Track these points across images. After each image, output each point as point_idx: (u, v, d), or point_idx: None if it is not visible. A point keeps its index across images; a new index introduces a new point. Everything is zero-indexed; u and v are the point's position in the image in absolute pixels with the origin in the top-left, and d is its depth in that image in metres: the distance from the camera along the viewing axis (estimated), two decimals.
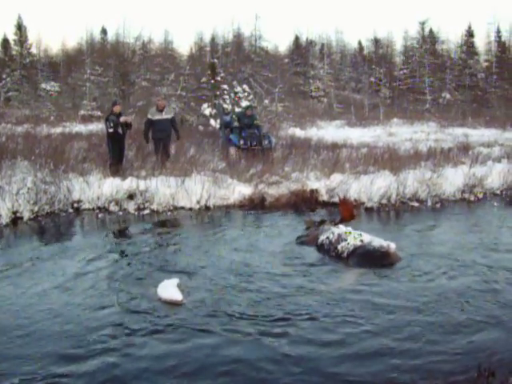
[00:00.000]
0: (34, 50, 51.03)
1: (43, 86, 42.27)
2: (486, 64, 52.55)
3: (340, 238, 7.50)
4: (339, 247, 7.38)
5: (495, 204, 11.54)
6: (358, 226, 8.23)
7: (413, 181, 11.68)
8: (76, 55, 48.15)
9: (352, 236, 7.46)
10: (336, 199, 10.58)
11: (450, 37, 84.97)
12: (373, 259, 7.04)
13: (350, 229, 7.75)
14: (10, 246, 8.29)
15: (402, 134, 27.11)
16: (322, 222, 8.58)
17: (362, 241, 7.31)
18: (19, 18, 49.41)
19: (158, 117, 12.99)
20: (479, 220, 10.16)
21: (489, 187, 12.45)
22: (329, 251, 7.50)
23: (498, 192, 12.50)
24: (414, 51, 51.60)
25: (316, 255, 7.63)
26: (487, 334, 5.09)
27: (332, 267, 7.13)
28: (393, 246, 7.24)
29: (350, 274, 6.94)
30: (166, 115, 13.14)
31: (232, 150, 14.96)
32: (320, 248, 7.72)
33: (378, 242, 7.30)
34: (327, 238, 7.69)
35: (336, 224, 8.21)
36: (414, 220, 10.12)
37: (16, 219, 9.63)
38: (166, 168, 12.07)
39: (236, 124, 15.82)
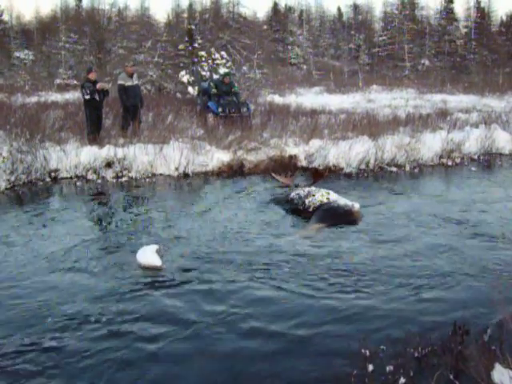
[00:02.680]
0: (5, 17, 49.87)
1: (17, 54, 41.43)
2: (465, 30, 52.49)
3: (309, 194, 7.97)
4: (306, 201, 7.83)
5: (472, 169, 11.66)
6: (334, 190, 8.40)
7: (391, 146, 11.75)
8: (50, 22, 47.16)
9: (320, 193, 7.93)
10: (314, 164, 10.92)
11: (430, 3, 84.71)
12: (336, 216, 7.41)
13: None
14: None
15: (381, 100, 27.12)
16: (297, 186, 9.12)
17: (328, 198, 7.76)
18: None
19: (129, 83, 12.69)
20: (454, 184, 10.29)
21: (466, 152, 12.57)
22: (297, 205, 7.95)
23: (476, 157, 12.62)
24: (394, 17, 51.34)
25: (285, 211, 8.10)
26: (455, 290, 5.20)
27: (297, 221, 7.64)
28: (357, 205, 7.56)
29: (311, 228, 7.23)
30: (135, 81, 12.89)
31: (210, 118, 14.85)
32: (290, 202, 8.17)
33: (343, 200, 7.75)
34: (297, 193, 8.18)
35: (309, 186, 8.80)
36: (391, 184, 10.19)
37: None
38: (142, 134, 11.96)
39: (214, 91, 15.66)
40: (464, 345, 4.06)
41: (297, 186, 9.10)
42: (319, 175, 9.68)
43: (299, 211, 7.85)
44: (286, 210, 8.16)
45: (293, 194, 8.27)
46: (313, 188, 8.33)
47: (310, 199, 7.82)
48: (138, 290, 5.26)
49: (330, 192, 8.02)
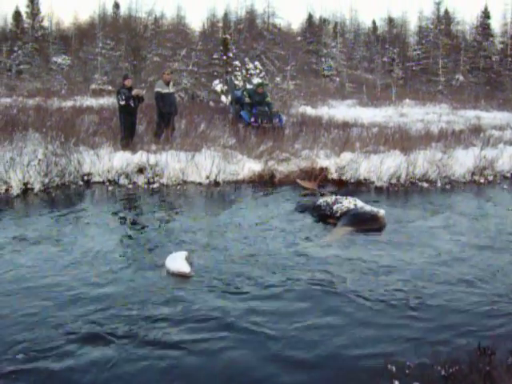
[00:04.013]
0: (45, 23, 50.94)
1: (54, 59, 42.20)
2: (501, 46, 51.86)
3: (336, 201, 8.39)
4: (334, 208, 8.22)
5: (505, 187, 11.50)
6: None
7: (423, 161, 11.65)
8: (88, 29, 48.05)
9: (347, 200, 8.34)
10: (346, 177, 10.98)
11: (466, 18, 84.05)
12: (362, 221, 7.83)
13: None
14: (21, 217, 8.34)
15: (414, 114, 26.89)
16: (322, 194, 9.59)
17: (355, 205, 8.19)
18: None
19: (166, 90, 12.91)
20: (487, 202, 10.17)
21: (499, 170, 12.39)
22: (325, 211, 8.32)
23: (509, 175, 12.44)
24: (429, 32, 51.04)
25: (313, 216, 8.46)
26: (485, 309, 5.13)
27: (325, 226, 8.01)
28: (382, 211, 7.96)
29: (339, 232, 7.61)
30: (172, 89, 13.12)
31: (242, 127, 14.92)
32: (317, 209, 8.52)
33: (369, 207, 8.18)
34: (325, 200, 8.59)
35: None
36: (422, 199, 10.13)
37: (27, 190, 9.72)
38: (175, 142, 12.10)
39: (247, 100, 15.75)
40: (492, 365, 4.02)
41: (322, 195, 9.47)
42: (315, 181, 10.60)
43: (326, 217, 8.22)
44: (313, 215, 8.48)
45: (320, 201, 8.64)
46: (339, 196, 8.72)
47: (338, 205, 8.21)
48: (167, 296, 5.31)
49: (357, 199, 8.44)
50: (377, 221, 7.85)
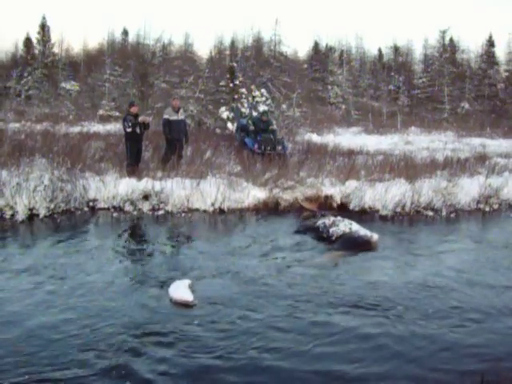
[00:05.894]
0: (55, 50, 51.54)
1: (63, 85, 42.64)
2: (507, 74, 52.09)
3: (333, 223, 8.80)
4: (331, 231, 8.65)
5: (511, 215, 11.47)
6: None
7: (428, 189, 11.64)
8: (97, 55, 48.49)
9: (343, 223, 8.76)
10: (351, 205, 10.99)
11: (471, 46, 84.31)
12: (356, 244, 8.27)
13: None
14: (26, 242, 8.37)
15: (420, 142, 26.94)
16: (323, 215, 9.80)
17: (350, 228, 8.59)
18: (43, 18, 50.12)
19: (174, 117, 13.01)
20: (491, 229, 10.16)
21: (505, 198, 12.36)
22: (322, 233, 8.75)
23: None
24: (434, 60, 51.35)
25: (312, 238, 8.80)
26: (489, 337, 5.09)
27: (321, 249, 8.32)
28: (375, 236, 8.38)
29: (332, 254, 7.98)
30: (181, 116, 13.22)
31: (246, 154, 14.99)
32: (316, 230, 8.94)
33: (363, 231, 8.55)
34: (323, 222, 9.00)
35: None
36: (425, 228, 10.13)
37: (32, 216, 9.75)
38: (180, 169, 12.13)
39: (252, 128, 15.87)
40: None
41: (322, 215, 9.69)
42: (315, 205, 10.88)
43: (324, 239, 8.62)
44: (312, 237, 8.84)
45: (319, 223, 9.08)
46: (338, 218, 9.11)
47: (334, 229, 8.66)
48: (168, 326, 5.29)
49: (353, 223, 8.84)
50: (369, 244, 8.30)
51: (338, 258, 7.85)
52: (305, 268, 7.29)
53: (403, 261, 7.75)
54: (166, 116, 13.07)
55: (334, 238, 8.51)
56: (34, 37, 50.52)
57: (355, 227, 8.67)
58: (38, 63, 47.13)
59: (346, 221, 8.94)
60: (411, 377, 4.46)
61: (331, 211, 10.77)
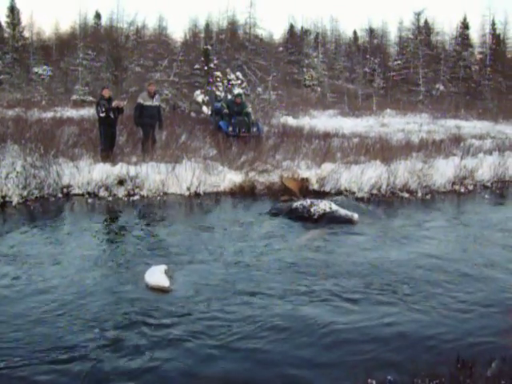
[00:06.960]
0: (26, 33, 50.50)
1: (35, 69, 41.77)
2: (480, 56, 52.46)
3: (313, 204, 9.04)
4: (312, 210, 8.90)
5: (485, 196, 11.60)
6: None
7: (404, 171, 11.71)
8: (69, 39, 47.70)
9: (323, 203, 9.06)
10: (326, 188, 11.00)
11: (445, 28, 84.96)
12: (339, 222, 8.64)
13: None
14: None
15: (395, 124, 27.09)
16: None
17: (330, 208, 8.91)
18: (12, 0, 48.98)
19: (149, 103, 12.79)
20: (467, 210, 10.26)
21: (479, 179, 12.51)
22: (302, 213, 8.94)
23: (489, 184, 12.57)
24: (409, 42, 51.47)
25: (290, 219, 8.96)
26: (464, 318, 5.14)
27: (304, 227, 8.59)
28: (356, 215, 8.81)
29: (318, 231, 8.34)
30: (156, 102, 12.98)
31: (221, 137, 14.91)
32: (294, 212, 9.08)
33: (343, 211, 8.94)
34: (301, 204, 9.18)
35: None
36: (401, 209, 10.20)
37: (4, 203, 9.58)
38: (155, 154, 12.01)
39: (226, 111, 15.78)
40: (472, 378, 4.01)
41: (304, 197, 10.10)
42: (299, 187, 11.00)
43: (304, 219, 8.84)
44: (290, 218, 9.00)
45: (296, 204, 9.24)
46: (314, 200, 9.35)
47: (315, 208, 8.92)
48: (144, 311, 5.24)
49: (332, 203, 9.15)
50: (352, 222, 8.71)
51: (324, 235, 8.14)
52: (291, 248, 7.38)
53: (382, 240, 7.93)
54: (139, 100, 12.85)
55: (316, 217, 8.79)
56: (3, 20, 49.52)
57: (334, 207, 8.99)
58: (8, 47, 46.17)
59: (325, 201, 9.25)
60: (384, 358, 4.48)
61: (307, 194, 10.79)
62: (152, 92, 12.91)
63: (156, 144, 12.86)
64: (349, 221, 8.72)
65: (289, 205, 9.50)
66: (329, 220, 8.72)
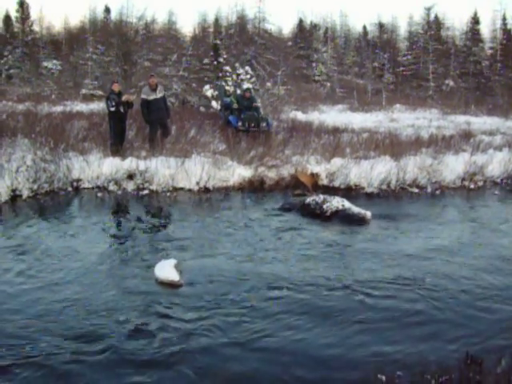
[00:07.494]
0: (35, 28, 50.63)
1: (45, 63, 41.88)
2: (491, 52, 52.11)
3: (325, 200, 8.95)
4: (324, 207, 8.83)
5: (495, 192, 11.54)
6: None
7: (413, 167, 11.67)
8: (78, 33, 47.77)
9: (335, 200, 8.95)
10: (336, 183, 10.97)
11: (456, 23, 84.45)
12: (352, 221, 8.55)
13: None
14: (9, 223, 8.26)
15: (404, 120, 26.95)
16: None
17: (343, 205, 8.83)
18: None
19: (153, 96, 12.65)
20: (477, 206, 10.22)
21: (489, 175, 12.43)
22: (314, 210, 8.87)
23: (499, 180, 12.49)
24: (419, 37, 51.17)
25: (303, 216, 8.90)
26: (472, 316, 5.12)
27: (317, 223, 8.52)
28: (369, 213, 8.66)
29: (332, 229, 8.31)
30: (159, 94, 12.80)
31: (230, 131, 14.88)
32: (306, 208, 9.01)
33: (356, 209, 8.81)
34: (313, 200, 9.09)
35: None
36: (411, 205, 10.17)
37: (15, 197, 9.63)
38: (165, 148, 11.97)
39: (235, 106, 15.76)
40: (482, 374, 4.00)
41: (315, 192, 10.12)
42: (313, 181, 11.07)
43: (317, 215, 8.75)
44: (303, 215, 8.92)
45: (308, 200, 9.15)
46: (327, 196, 9.23)
47: (327, 205, 8.84)
48: (154, 306, 5.26)
49: (344, 200, 9.02)
50: (365, 221, 8.58)
51: (338, 233, 8.08)
52: (305, 245, 7.34)
53: (396, 236, 7.96)
54: (143, 96, 12.66)
55: (328, 214, 8.72)
56: (13, 15, 49.64)
57: (347, 204, 8.90)
58: (18, 42, 46.28)
59: (338, 198, 9.12)
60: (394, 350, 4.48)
61: (317, 188, 10.77)
62: (153, 85, 12.69)
63: (171, 133, 12.83)
64: (362, 219, 8.60)
65: (301, 200, 9.46)
66: (341, 218, 8.64)
